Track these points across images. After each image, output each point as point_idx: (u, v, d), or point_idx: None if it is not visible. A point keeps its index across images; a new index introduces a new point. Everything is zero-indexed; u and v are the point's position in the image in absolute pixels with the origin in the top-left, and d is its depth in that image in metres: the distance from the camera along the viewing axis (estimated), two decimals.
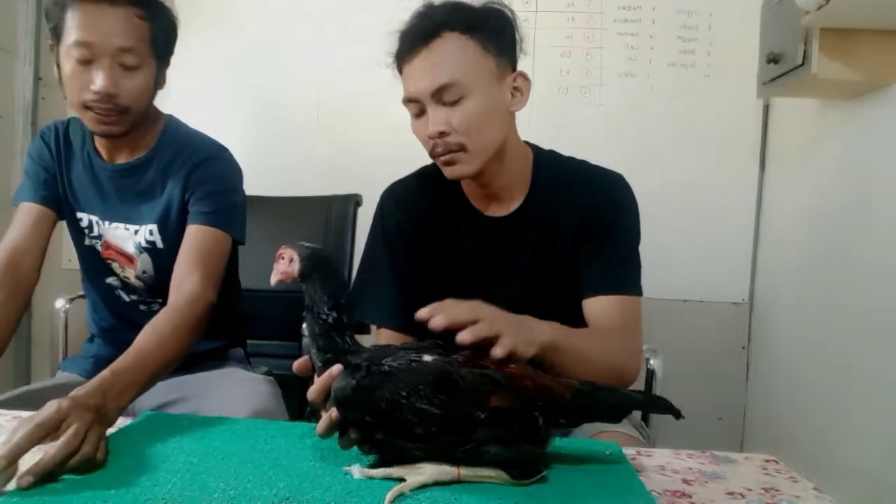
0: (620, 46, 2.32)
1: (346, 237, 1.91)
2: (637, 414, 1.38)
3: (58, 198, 1.36)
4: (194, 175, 1.31)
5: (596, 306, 1.17)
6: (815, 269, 1.87)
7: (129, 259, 1.34)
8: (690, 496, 0.80)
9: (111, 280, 1.38)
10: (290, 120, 2.39)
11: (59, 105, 2.48)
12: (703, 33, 2.29)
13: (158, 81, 1.29)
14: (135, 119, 1.26)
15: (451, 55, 1.10)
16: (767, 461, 0.93)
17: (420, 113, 1.13)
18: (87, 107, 1.20)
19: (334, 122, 2.37)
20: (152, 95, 1.29)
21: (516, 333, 0.87)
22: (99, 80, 1.17)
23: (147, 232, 1.33)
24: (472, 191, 1.23)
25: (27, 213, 1.34)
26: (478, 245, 1.23)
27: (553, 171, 1.23)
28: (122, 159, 1.33)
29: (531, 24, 2.33)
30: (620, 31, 2.32)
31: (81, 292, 1.55)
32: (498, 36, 1.14)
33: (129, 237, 1.33)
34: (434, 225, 1.24)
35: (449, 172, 1.15)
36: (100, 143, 1.34)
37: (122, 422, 0.97)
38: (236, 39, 2.42)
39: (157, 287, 1.35)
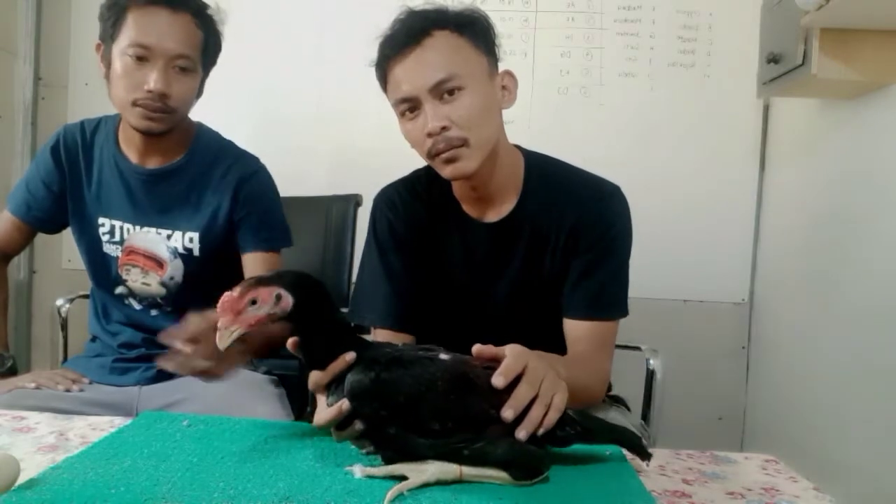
0: (620, 46, 2.32)
1: (346, 237, 1.91)
2: (637, 414, 1.39)
3: (51, 219, 1.40)
4: (243, 191, 1.36)
5: (576, 329, 1.17)
6: (815, 269, 1.87)
7: (159, 263, 1.34)
8: (690, 496, 0.80)
9: (120, 290, 1.38)
10: (290, 120, 2.39)
11: (59, 105, 2.49)
12: (703, 33, 2.29)
13: (200, 90, 1.34)
14: (176, 121, 1.30)
15: (446, 51, 1.09)
16: (767, 461, 0.93)
17: (415, 113, 1.11)
18: (135, 104, 1.24)
19: (334, 122, 2.38)
20: (194, 102, 1.34)
21: (556, 384, 0.84)
22: (153, 81, 1.22)
23: (186, 239, 1.34)
24: (464, 194, 1.22)
25: (14, 224, 1.41)
26: (468, 249, 1.22)
27: (545, 176, 1.22)
28: (154, 163, 1.35)
29: (531, 24, 2.33)
30: (620, 31, 2.32)
31: (81, 292, 1.55)
32: (485, 36, 1.15)
33: (160, 241, 1.34)
34: (425, 228, 1.24)
35: (451, 171, 1.12)
36: (130, 146, 1.35)
37: (122, 422, 0.97)
38: (236, 40, 2.42)
39: (179, 293, 1.36)
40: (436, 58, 1.09)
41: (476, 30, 1.13)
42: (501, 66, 1.19)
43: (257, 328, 0.75)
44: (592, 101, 2.33)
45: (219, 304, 0.75)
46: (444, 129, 1.08)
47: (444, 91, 1.08)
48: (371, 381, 0.78)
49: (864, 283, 1.60)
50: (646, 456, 0.85)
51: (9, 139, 2.45)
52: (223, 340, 0.74)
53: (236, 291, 0.75)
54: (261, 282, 0.76)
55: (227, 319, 0.74)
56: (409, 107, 1.11)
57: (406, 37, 1.10)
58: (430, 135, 1.09)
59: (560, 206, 1.19)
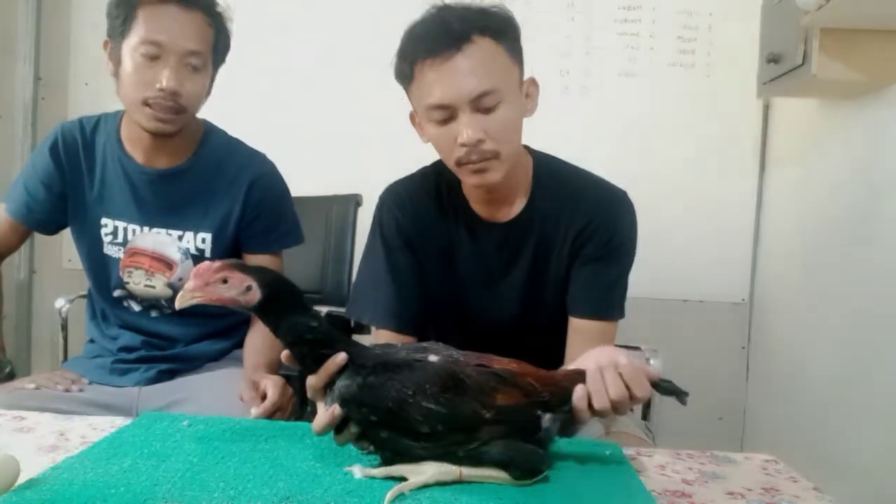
0: (620, 46, 2.32)
1: (346, 237, 1.91)
2: (638, 413, 1.39)
3: (51, 220, 1.38)
4: (255, 195, 1.35)
5: (582, 327, 1.19)
6: (815, 269, 1.87)
7: (167, 265, 1.33)
8: (690, 496, 0.80)
9: (119, 293, 1.37)
10: (289, 120, 2.39)
11: (58, 105, 2.49)
12: (703, 33, 2.29)
13: (209, 89, 1.32)
14: (186, 121, 1.28)
15: (488, 61, 1.06)
16: (767, 461, 0.93)
17: (448, 120, 1.08)
18: (146, 104, 1.23)
19: (334, 122, 2.37)
20: (203, 101, 1.32)
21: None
22: (165, 79, 1.20)
23: (199, 239, 1.33)
24: (475, 195, 1.21)
25: (10, 225, 1.38)
26: (476, 249, 1.22)
27: (554, 178, 1.21)
28: (161, 163, 1.33)
29: (531, 24, 2.33)
30: (620, 31, 2.32)
31: (81, 292, 1.54)
32: (517, 43, 1.12)
33: (171, 242, 1.33)
34: (433, 227, 1.23)
35: (478, 180, 1.11)
36: (136, 146, 1.33)
37: (122, 422, 0.97)
38: (235, 40, 2.42)
39: None
40: (478, 68, 1.05)
41: (511, 36, 1.10)
42: None
43: (218, 303, 0.77)
44: (592, 101, 2.33)
45: (194, 269, 0.77)
46: (479, 141, 1.06)
47: (484, 103, 1.05)
48: (358, 387, 0.77)
49: (864, 283, 1.60)
50: (683, 396, 0.89)
51: (9, 139, 2.45)
52: (181, 301, 0.77)
53: (216, 265, 0.77)
54: (241, 268, 0.78)
55: (195, 284, 0.76)
56: (443, 115, 1.08)
57: (447, 40, 1.05)
58: (463, 145, 1.07)
59: (569, 209, 1.18)
